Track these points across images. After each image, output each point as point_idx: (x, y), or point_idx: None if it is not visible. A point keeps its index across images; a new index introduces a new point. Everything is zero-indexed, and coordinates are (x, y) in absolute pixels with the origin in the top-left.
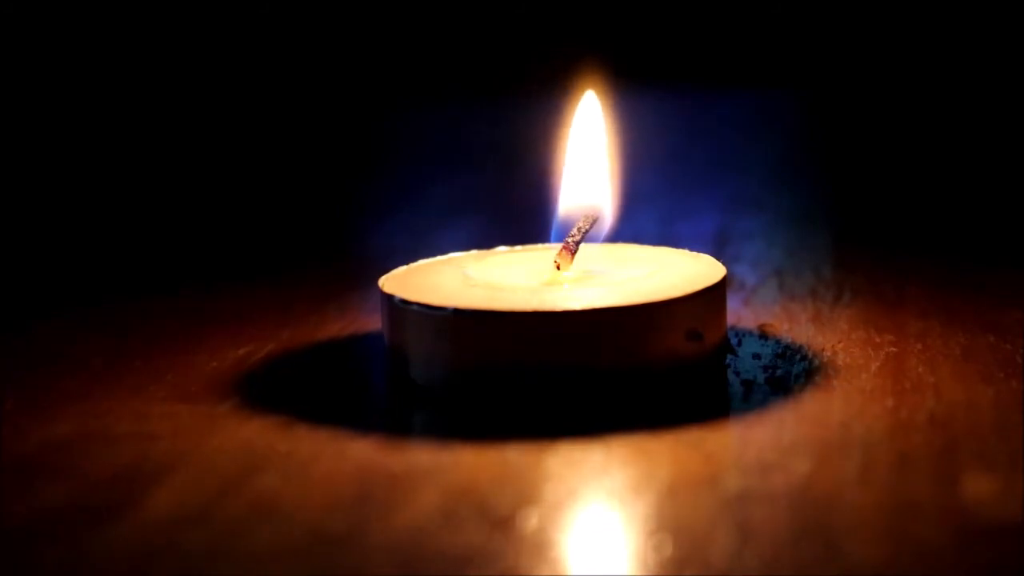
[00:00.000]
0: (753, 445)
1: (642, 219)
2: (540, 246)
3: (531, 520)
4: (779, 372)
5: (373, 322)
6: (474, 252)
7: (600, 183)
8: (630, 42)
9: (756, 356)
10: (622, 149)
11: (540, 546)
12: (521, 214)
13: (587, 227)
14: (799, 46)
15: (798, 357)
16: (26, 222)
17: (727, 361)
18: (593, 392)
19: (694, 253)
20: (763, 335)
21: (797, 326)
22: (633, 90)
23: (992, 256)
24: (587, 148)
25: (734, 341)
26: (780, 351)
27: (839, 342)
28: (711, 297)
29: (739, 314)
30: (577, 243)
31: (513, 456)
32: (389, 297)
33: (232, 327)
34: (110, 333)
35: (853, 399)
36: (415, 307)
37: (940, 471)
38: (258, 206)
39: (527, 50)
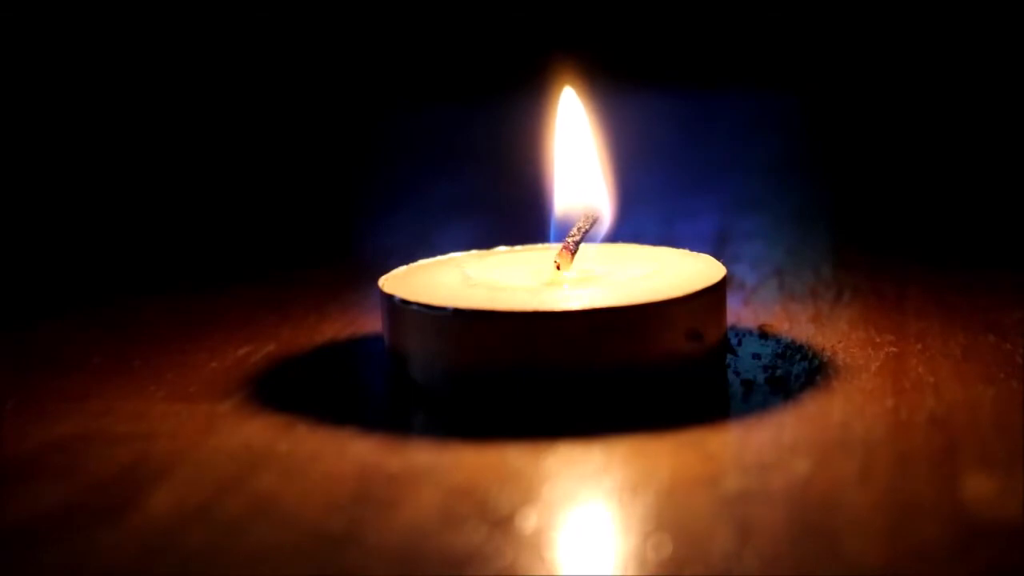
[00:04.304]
0: (753, 445)
1: (642, 219)
2: (540, 246)
3: (531, 520)
4: (779, 372)
5: (373, 322)
6: (474, 252)
7: (595, 182)
8: (632, 43)
9: (756, 356)
10: (622, 149)
11: (539, 546)
12: (521, 214)
13: (587, 227)
14: (799, 47)
15: (798, 357)
16: (27, 222)
17: (727, 361)
18: (593, 392)
19: (694, 253)
20: (763, 335)
21: (797, 326)
22: (634, 90)
23: (992, 256)
24: (575, 146)
25: (734, 341)
26: (780, 351)
27: (839, 342)
28: (711, 297)
29: (739, 314)
30: (577, 243)
31: (513, 456)
32: (389, 297)
33: (232, 327)
34: (110, 333)
35: (853, 399)
36: (415, 307)
37: (940, 471)
38: (258, 206)
39: (528, 49)
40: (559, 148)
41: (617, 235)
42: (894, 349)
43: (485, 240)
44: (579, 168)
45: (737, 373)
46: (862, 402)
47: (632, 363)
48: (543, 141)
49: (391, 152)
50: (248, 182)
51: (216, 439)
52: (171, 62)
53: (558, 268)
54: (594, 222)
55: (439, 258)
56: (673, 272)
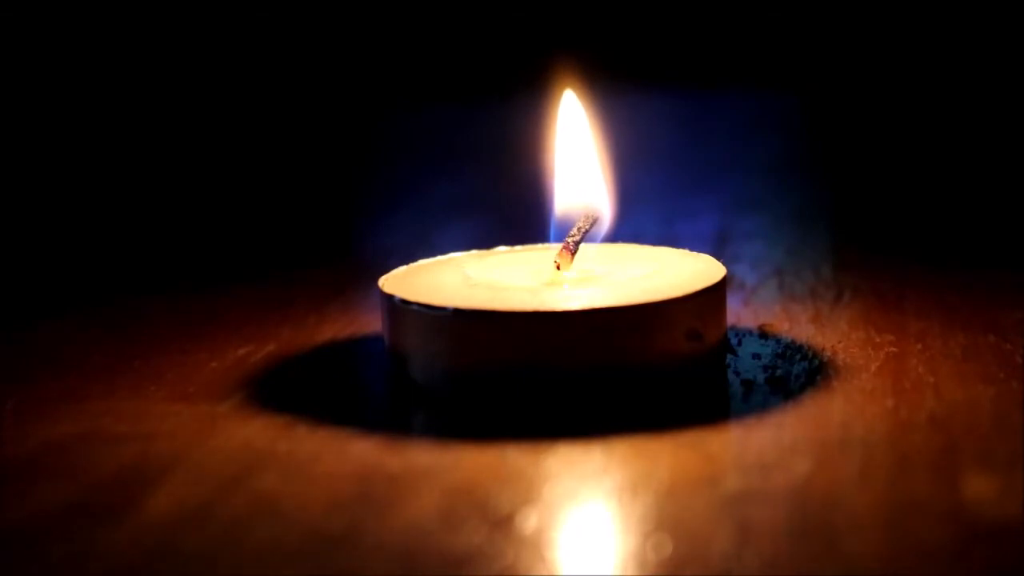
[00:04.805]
0: (753, 445)
1: (642, 219)
2: (540, 246)
3: (531, 520)
4: (779, 372)
5: (373, 322)
6: (474, 252)
7: (595, 182)
8: (632, 43)
9: (756, 356)
10: (622, 149)
11: (539, 546)
12: (521, 214)
13: (587, 227)
14: (799, 47)
15: (798, 357)
16: (27, 222)
17: (727, 361)
18: (593, 392)
19: (694, 253)
20: (763, 335)
21: (797, 326)
22: (634, 91)
23: (992, 256)
24: (575, 147)
25: (734, 341)
26: (780, 351)
27: (839, 342)
28: (711, 297)
29: (739, 314)
30: (577, 243)
31: (513, 456)
32: (389, 297)
33: (232, 327)
34: (110, 333)
35: (853, 399)
36: (415, 307)
37: (940, 471)
38: (258, 207)
39: (528, 49)
40: (560, 149)
41: (617, 235)
42: (894, 349)
43: (485, 240)
44: (580, 169)
45: (737, 373)
46: (862, 402)
47: (632, 363)
48: (543, 141)
49: (391, 152)
50: (248, 182)
51: (216, 439)
52: (171, 62)
53: (558, 268)
54: (594, 222)
55: (439, 258)
56: (673, 272)
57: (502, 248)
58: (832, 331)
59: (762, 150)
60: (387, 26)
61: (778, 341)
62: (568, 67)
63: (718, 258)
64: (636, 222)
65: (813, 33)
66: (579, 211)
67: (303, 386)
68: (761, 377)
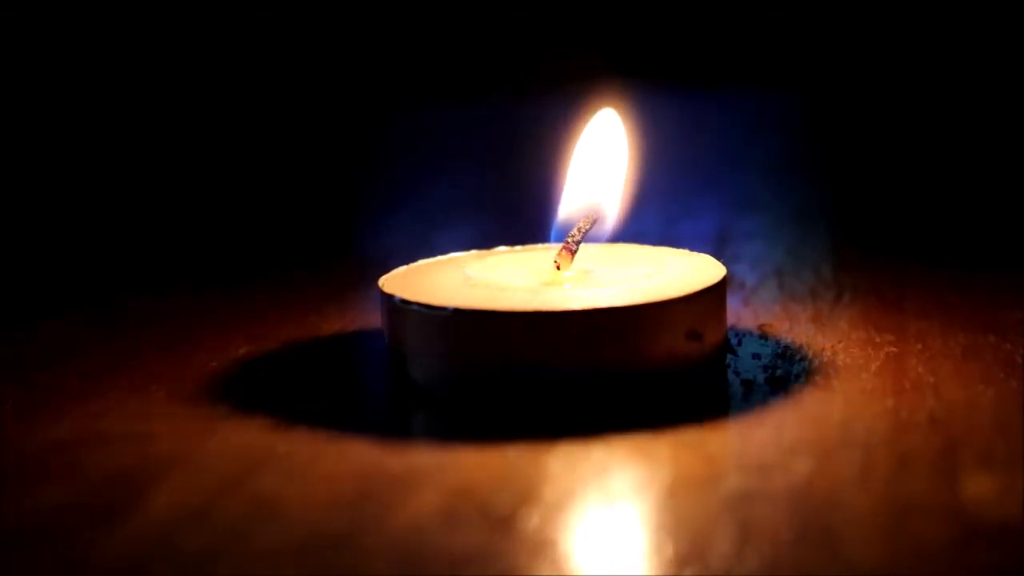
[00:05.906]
0: (753, 445)
1: (643, 219)
2: (540, 246)
3: (531, 520)
4: (779, 372)
5: (373, 322)
6: (474, 252)
7: (612, 191)
8: (631, 43)
9: (756, 356)
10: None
11: (540, 546)
12: (521, 214)
13: (587, 227)
14: (799, 47)
15: (798, 357)
16: (26, 222)
17: (727, 361)
18: (593, 392)
19: (694, 253)
20: (763, 335)
21: (797, 326)
22: (634, 91)
23: (992, 256)
24: (603, 161)
25: (734, 341)
26: (780, 351)
27: (839, 342)
28: (711, 297)
29: (739, 314)
30: (577, 243)
31: (513, 456)
32: (389, 297)
33: (232, 327)
34: (109, 333)
35: (853, 399)
36: (415, 307)
37: (940, 471)
38: (258, 206)
39: (528, 50)
40: (583, 158)
41: (618, 235)
42: (894, 349)
43: (485, 240)
44: (597, 178)
45: (737, 373)
46: (862, 402)
47: (632, 363)
48: (544, 141)
49: (391, 152)
50: (248, 182)
51: (216, 439)
52: (171, 62)
53: (558, 268)
54: (594, 222)
55: (439, 258)
56: (673, 272)
57: (502, 248)
58: (832, 331)
59: (762, 150)
60: (387, 26)
61: (778, 341)
62: (582, 70)
63: (718, 258)
64: (636, 222)
65: (813, 33)
66: (580, 212)
67: (303, 386)
68: (761, 377)
